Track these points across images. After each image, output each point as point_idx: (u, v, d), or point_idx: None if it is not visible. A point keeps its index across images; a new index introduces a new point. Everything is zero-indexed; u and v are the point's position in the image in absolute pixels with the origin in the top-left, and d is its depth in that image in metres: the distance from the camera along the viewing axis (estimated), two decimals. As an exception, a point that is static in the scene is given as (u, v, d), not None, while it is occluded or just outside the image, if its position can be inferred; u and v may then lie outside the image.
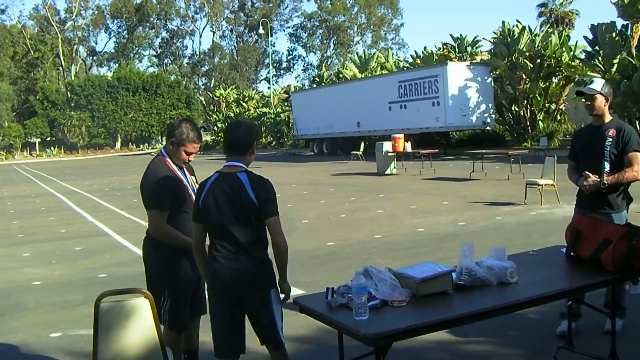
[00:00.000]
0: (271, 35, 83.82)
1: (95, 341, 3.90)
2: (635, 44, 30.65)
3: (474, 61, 39.25)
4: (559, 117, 37.93)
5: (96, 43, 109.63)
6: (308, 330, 6.16)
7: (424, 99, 35.71)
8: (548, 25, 54.03)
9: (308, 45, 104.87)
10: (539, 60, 35.14)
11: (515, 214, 13.16)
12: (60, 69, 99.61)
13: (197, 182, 4.70)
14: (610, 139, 5.53)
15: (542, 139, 30.41)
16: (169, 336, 4.59)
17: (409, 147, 26.97)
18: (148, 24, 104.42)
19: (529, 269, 4.40)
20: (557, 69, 35.40)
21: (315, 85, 64.61)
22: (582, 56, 34.13)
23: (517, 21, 37.57)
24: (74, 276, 9.69)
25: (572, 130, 35.60)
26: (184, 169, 4.91)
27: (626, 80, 28.50)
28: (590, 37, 32.52)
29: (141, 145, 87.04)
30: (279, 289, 4.18)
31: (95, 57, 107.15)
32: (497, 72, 36.79)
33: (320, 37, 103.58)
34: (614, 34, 30.92)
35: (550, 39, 35.26)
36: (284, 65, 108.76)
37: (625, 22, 31.54)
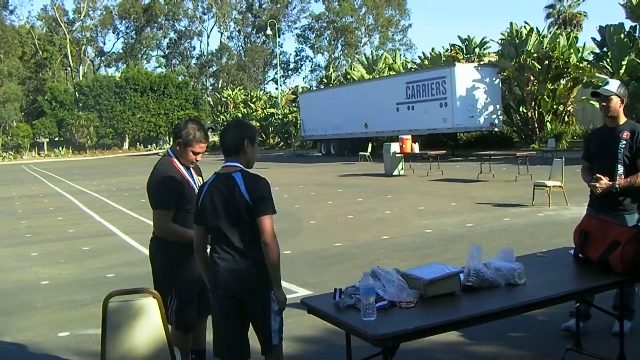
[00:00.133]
0: (279, 36, 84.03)
1: (103, 341, 3.91)
2: (644, 45, 30.59)
3: (481, 62, 39.19)
4: (566, 119, 37.83)
5: (104, 43, 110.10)
6: (315, 331, 6.16)
7: (431, 100, 35.69)
8: (556, 27, 53.87)
9: (316, 46, 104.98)
10: (546, 62, 35.07)
11: (523, 216, 13.14)
12: (69, 69, 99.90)
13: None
14: (624, 142, 5.50)
15: (550, 140, 30.36)
16: (176, 336, 4.59)
17: (416, 148, 26.92)
18: (156, 25, 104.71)
19: (537, 271, 4.40)
20: (565, 70, 35.33)
21: (322, 86, 64.64)
22: (590, 58, 34.08)
23: (525, 22, 37.56)
24: (81, 276, 9.71)
25: (580, 131, 35.57)
26: (191, 169, 4.91)
27: (634, 82, 28.43)
28: (599, 38, 32.47)
29: (149, 146, 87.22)
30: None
31: (103, 58, 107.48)
32: (505, 74, 36.72)
33: (327, 38, 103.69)
34: (622, 36, 30.85)
35: (558, 40, 35.19)
36: (292, 66, 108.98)
37: (633, 24, 31.49)
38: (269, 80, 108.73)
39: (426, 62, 45.80)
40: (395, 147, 25.36)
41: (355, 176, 25.87)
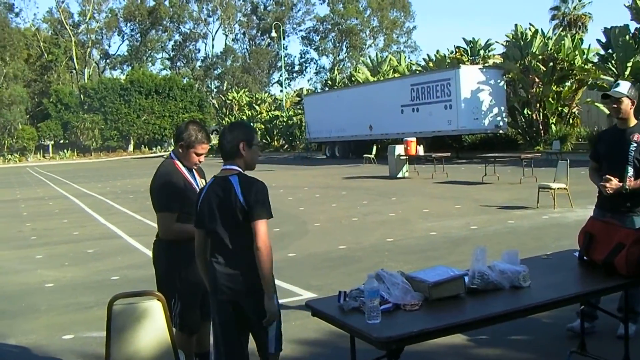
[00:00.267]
0: (283, 39, 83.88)
1: (108, 343, 3.91)
2: (649, 47, 30.56)
3: (486, 64, 39.21)
4: (571, 121, 37.78)
5: (109, 46, 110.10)
6: (320, 334, 6.15)
7: (436, 102, 35.68)
8: (561, 29, 53.82)
9: (320, 48, 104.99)
10: (551, 64, 35.03)
11: (528, 218, 13.12)
12: (74, 71, 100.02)
13: None
14: (635, 144, 5.48)
15: (554, 142, 30.33)
16: (180, 339, 4.60)
17: (421, 150, 26.94)
18: (161, 27, 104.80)
19: (542, 273, 4.38)
20: (570, 72, 35.26)
21: (327, 89, 64.69)
22: (596, 59, 34.05)
23: (530, 24, 37.53)
24: (86, 278, 9.73)
25: (585, 133, 35.49)
26: (194, 171, 4.92)
27: (640, 84, 28.41)
28: (604, 40, 32.45)
29: (154, 148, 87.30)
30: (277, 295, 4.09)
31: (108, 60, 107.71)
32: (510, 76, 36.70)
33: (332, 41, 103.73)
34: (627, 37, 30.82)
35: (563, 42, 35.14)
36: (297, 68, 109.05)
37: (638, 25, 31.43)
38: (274, 83, 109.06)
39: (431, 64, 45.79)
40: (399, 149, 25.36)
41: (360, 178, 25.87)
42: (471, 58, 43.25)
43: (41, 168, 58.20)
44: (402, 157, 25.24)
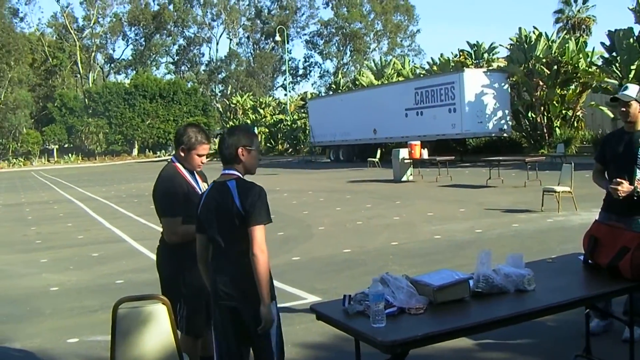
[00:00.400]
0: (287, 42, 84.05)
1: (113, 347, 3.92)
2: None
3: (490, 68, 39.22)
4: (576, 124, 37.77)
5: (114, 50, 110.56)
6: (324, 337, 6.15)
7: (440, 105, 35.70)
8: (565, 32, 53.81)
9: (324, 52, 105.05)
10: (555, 67, 35.00)
11: (532, 221, 13.11)
12: (78, 76, 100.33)
13: None
14: None
15: (559, 145, 30.30)
16: (186, 342, 4.60)
17: (425, 154, 26.92)
18: (165, 32, 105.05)
19: (546, 277, 4.38)
20: (574, 75, 35.24)
21: (331, 92, 64.76)
22: (600, 62, 34.03)
23: (534, 27, 37.55)
24: (91, 282, 9.73)
25: (590, 137, 35.51)
26: (196, 175, 4.93)
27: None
28: (608, 43, 32.44)
29: (158, 152, 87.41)
30: (276, 302, 4.05)
31: (112, 65, 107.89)
32: (514, 79, 36.69)
33: (336, 44, 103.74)
34: (631, 40, 30.81)
35: (567, 45, 35.15)
36: (301, 72, 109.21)
37: (642, 28, 31.44)
38: (278, 87, 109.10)
39: (435, 67, 45.83)
40: (404, 153, 25.35)
41: (364, 182, 25.86)
42: (475, 61, 43.26)
43: (46, 172, 58.30)
44: (406, 161, 25.23)
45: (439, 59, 45.96)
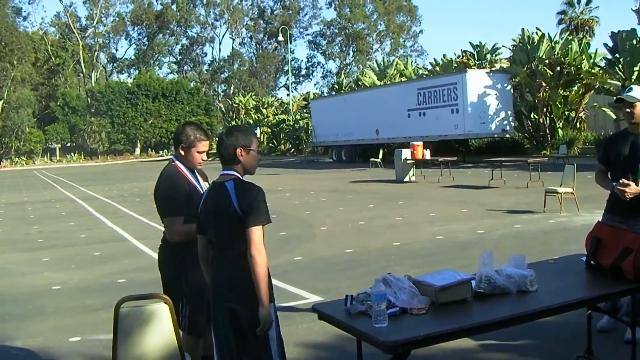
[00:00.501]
0: (290, 43, 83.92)
1: (115, 346, 3.92)
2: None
3: (493, 69, 39.17)
4: (578, 125, 37.73)
5: (117, 50, 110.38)
6: (326, 337, 6.15)
7: (443, 106, 35.67)
8: (568, 33, 53.74)
9: (327, 52, 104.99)
10: (558, 68, 34.99)
11: (534, 222, 13.10)
12: (81, 75, 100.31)
13: None
14: None
15: (561, 146, 30.28)
16: (188, 342, 4.60)
17: (427, 154, 26.92)
18: (168, 31, 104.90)
19: (549, 278, 4.37)
20: (577, 76, 35.21)
21: (334, 93, 64.74)
22: (602, 64, 34.00)
23: (537, 29, 37.56)
24: (93, 281, 9.75)
25: (592, 138, 35.48)
26: (197, 174, 4.93)
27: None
28: (611, 44, 32.41)
29: (160, 152, 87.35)
30: (274, 303, 4.00)
31: (115, 64, 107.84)
32: (517, 80, 36.65)
33: (339, 45, 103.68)
34: (634, 42, 30.79)
35: (570, 46, 35.11)
36: (303, 72, 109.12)
37: (645, 30, 31.40)
38: (281, 87, 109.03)
39: (437, 68, 45.81)
40: (406, 153, 25.35)
41: (366, 182, 25.86)
42: (478, 62, 43.21)
43: (48, 171, 58.37)
44: (408, 161, 25.22)
45: (442, 59, 45.94)
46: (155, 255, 5.00)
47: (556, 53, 35.27)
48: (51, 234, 15.39)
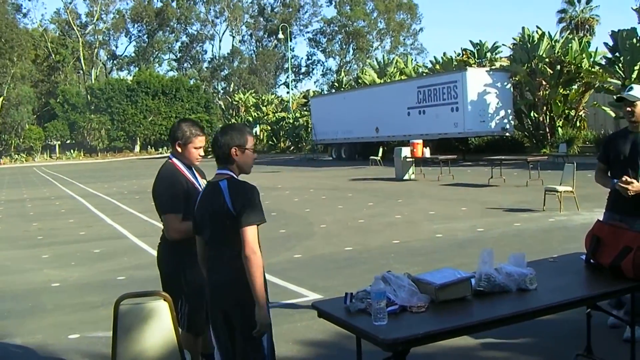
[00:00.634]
0: (290, 40, 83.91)
1: (114, 343, 3.92)
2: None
3: (493, 67, 39.18)
4: (578, 124, 37.71)
5: (116, 47, 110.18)
6: (326, 335, 6.15)
7: (442, 104, 35.68)
8: (568, 32, 53.80)
9: (327, 50, 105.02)
10: (558, 67, 34.98)
11: (534, 221, 13.10)
12: (81, 72, 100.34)
13: None
14: None
15: (561, 145, 30.27)
16: (187, 339, 4.60)
17: (427, 152, 26.94)
18: (168, 28, 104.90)
19: (548, 276, 4.37)
20: (577, 75, 35.19)
21: (334, 90, 64.74)
22: (603, 62, 33.98)
23: (537, 27, 37.48)
24: (92, 278, 9.75)
25: (592, 137, 35.49)
26: (195, 171, 4.93)
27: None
28: (611, 43, 32.40)
29: (160, 149, 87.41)
30: (269, 306, 3.91)
31: (115, 61, 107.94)
32: (517, 78, 36.63)
33: (339, 42, 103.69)
34: (634, 40, 30.78)
35: (570, 45, 35.09)
36: (303, 70, 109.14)
37: (646, 28, 31.39)
38: (281, 84, 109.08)
39: (438, 66, 45.80)
40: (406, 151, 25.35)
41: (366, 180, 25.86)
42: (478, 60, 43.18)
43: (48, 168, 58.37)
44: (408, 159, 25.23)
45: (442, 57, 45.92)
46: (155, 253, 5.00)
47: (556, 52, 35.26)
48: (51, 231, 15.39)
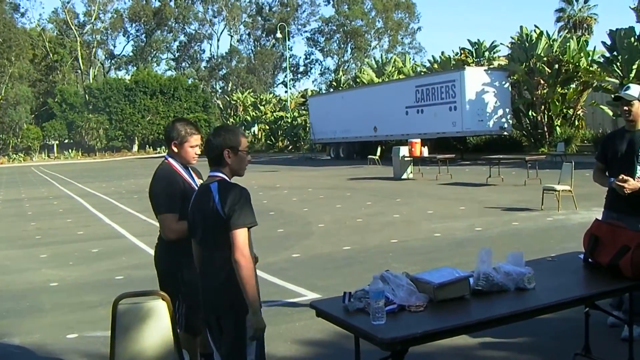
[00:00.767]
0: (288, 39, 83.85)
1: (113, 343, 3.92)
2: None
3: (491, 66, 39.24)
4: (576, 123, 37.74)
5: (114, 46, 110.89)
6: (324, 334, 6.15)
7: (441, 103, 35.70)
8: (566, 31, 53.85)
9: (325, 49, 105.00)
10: (556, 66, 34.99)
11: (532, 220, 13.11)
12: (79, 72, 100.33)
13: None
14: None
15: (559, 144, 30.30)
16: (184, 339, 4.60)
17: (425, 151, 26.90)
18: (166, 28, 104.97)
19: (547, 275, 4.37)
20: (575, 74, 35.21)
21: (332, 90, 64.72)
22: (601, 61, 33.99)
23: (535, 26, 37.47)
24: (90, 278, 9.74)
25: (590, 135, 35.50)
26: (191, 171, 4.93)
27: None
28: (609, 42, 32.42)
29: (158, 148, 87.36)
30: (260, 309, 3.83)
31: (113, 60, 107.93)
32: (515, 77, 36.67)
33: (337, 42, 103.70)
34: (632, 39, 30.80)
35: (568, 44, 35.11)
36: (301, 69, 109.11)
37: (643, 28, 31.40)
38: (279, 84, 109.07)
39: (436, 65, 45.81)
40: (404, 150, 25.34)
41: (364, 180, 25.87)
42: (476, 60, 43.23)
43: (46, 168, 58.32)
44: (406, 159, 25.22)
45: (440, 57, 45.95)
46: (153, 252, 4.99)
47: (554, 51, 35.27)
48: (49, 231, 15.38)
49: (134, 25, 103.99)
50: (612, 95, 6.55)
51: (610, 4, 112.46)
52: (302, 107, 67.77)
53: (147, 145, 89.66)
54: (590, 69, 34.34)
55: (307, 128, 55.13)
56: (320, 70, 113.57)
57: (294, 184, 24.65)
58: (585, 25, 60.45)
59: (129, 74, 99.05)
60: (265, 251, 10.49)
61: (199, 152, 4.90)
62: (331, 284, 8.34)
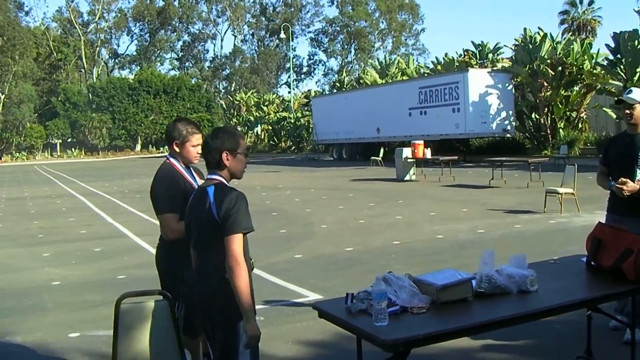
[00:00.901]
0: (292, 40, 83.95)
1: (115, 342, 3.92)
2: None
3: (495, 68, 39.14)
4: (579, 126, 37.68)
5: (118, 46, 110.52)
6: (326, 335, 6.15)
7: (444, 105, 35.68)
8: (570, 33, 53.76)
9: (329, 50, 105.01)
10: (560, 68, 34.96)
11: (535, 222, 13.10)
12: (83, 70, 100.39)
13: None
14: None
15: (562, 147, 30.26)
16: (185, 340, 4.59)
17: (428, 153, 26.91)
18: (170, 28, 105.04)
19: (549, 278, 4.37)
20: (579, 76, 35.17)
21: (335, 91, 64.65)
22: (604, 64, 33.96)
23: (539, 28, 37.45)
24: (93, 277, 9.75)
25: (593, 138, 35.43)
26: (192, 171, 4.93)
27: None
28: (613, 45, 32.38)
29: (161, 148, 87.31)
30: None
31: (117, 60, 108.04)
32: (518, 79, 36.62)
33: (341, 42, 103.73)
34: (636, 42, 30.77)
35: (572, 46, 35.08)
36: (305, 70, 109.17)
37: (647, 30, 31.36)
38: (282, 84, 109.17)
39: (439, 67, 45.78)
40: (407, 152, 25.33)
41: (367, 181, 25.86)
42: (480, 61, 43.15)
43: (49, 166, 58.37)
44: (409, 160, 25.21)
45: (444, 58, 45.91)
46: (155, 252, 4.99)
47: (558, 53, 35.25)
48: (51, 230, 15.39)
49: (137, 24, 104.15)
50: (615, 99, 6.49)
51: (615, 7, 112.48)
52: (305, 108, 67.71)
53: (150, 145, 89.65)
54: (594, 71, 34.32)
55: (310, 129, 55.08)
56: (324, 71, 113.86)
57: (296, 185, 24.68)
58: (589, 27, 60.37)
59: (132, 74, 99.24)
60: (267, 251, 10.50)
61: (200, 151, 4.89)
62: (333, 285, 8.34)
